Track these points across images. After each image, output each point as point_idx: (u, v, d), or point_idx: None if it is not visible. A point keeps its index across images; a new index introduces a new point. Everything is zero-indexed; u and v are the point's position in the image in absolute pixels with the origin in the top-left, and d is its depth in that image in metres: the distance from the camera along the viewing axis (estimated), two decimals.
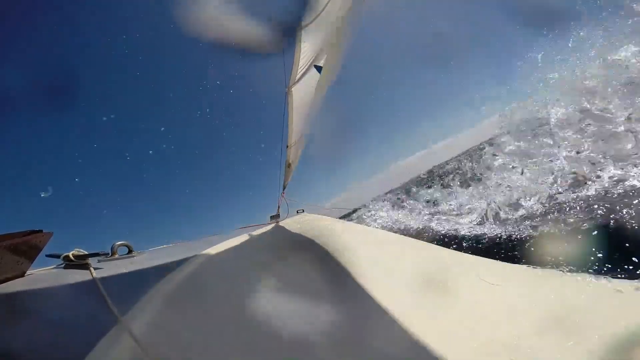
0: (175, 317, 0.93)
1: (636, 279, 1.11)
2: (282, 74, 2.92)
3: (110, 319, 0.70)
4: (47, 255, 1.38)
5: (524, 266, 1.46)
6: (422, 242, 1.94)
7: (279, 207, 4.10)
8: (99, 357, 0.55)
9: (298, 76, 2.75)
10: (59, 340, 0.69)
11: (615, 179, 2.93)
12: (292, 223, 3.28)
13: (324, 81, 2.37)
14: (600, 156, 3.30)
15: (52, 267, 1.41)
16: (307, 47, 2.41)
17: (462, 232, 3.53)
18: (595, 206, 2.48)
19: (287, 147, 3.78)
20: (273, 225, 3.17)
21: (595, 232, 2.10)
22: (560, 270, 1.36)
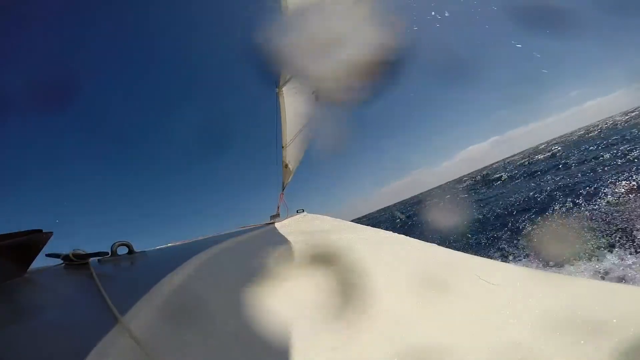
0: (175, 317, 0.92)
1: None
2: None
3: (110, 319, 0.70)
4: (47, 255, 1.37)
5: (525, 267, 1.46)
6: (422, 241, 1.94)
7: (278, 207, 4.12)
8: (98, 357, 0.55)
9: (288, 76, 2.73)
10: (58, 340, 0.68)
11: None
12: (293, 223, 3.28)
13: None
14: None
15: (52, 267, 1.41)
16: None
17: None
18: None
19: (283, 147, 3.77)
20: (273, 225, 3.18)
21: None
22: (562, 271, 1.36)
